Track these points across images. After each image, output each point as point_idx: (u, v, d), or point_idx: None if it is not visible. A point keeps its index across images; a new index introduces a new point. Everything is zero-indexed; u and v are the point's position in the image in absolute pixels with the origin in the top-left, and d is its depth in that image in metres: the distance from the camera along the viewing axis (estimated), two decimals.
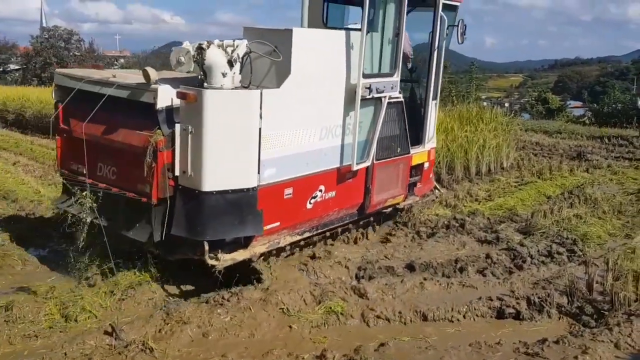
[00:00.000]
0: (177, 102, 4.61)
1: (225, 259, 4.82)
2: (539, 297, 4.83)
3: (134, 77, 5.16)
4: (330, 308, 4.62)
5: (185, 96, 4.45)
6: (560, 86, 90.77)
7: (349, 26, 6.68)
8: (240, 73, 4.69)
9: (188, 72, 4.72)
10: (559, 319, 4.67)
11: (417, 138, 6.69)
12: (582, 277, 5.20)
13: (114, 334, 4.05)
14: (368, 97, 5.55)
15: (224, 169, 4.62)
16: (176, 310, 4.36)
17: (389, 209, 6.76)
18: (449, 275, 5.49)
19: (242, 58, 4.67)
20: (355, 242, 6.34)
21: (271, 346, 4.07)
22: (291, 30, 4.88)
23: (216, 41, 4.61)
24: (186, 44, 4.66)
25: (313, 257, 5.67)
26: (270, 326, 4.38)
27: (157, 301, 4.81)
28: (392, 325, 4.57)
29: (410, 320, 4.62)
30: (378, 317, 4.62)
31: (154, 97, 4.61)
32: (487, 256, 5.95)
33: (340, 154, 5.63)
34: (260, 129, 4.70)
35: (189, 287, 5.08)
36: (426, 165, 7.04)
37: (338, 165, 5.63)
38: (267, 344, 4.13)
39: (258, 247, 5.09)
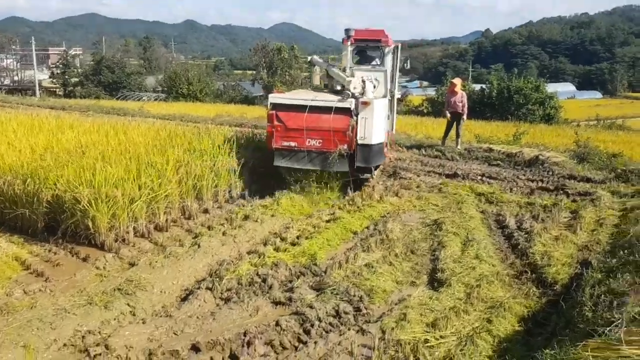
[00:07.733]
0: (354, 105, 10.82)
1: (375, 175, 11.91)
2: None
3: (325, 95, 11.40)
4: None
5: (365, 103, 10.66)
6: (408, 69, 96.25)
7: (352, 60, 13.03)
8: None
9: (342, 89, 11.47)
10: None
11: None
12: (362, 354, 5.29)
13: None
14: (390, 99, 12.79)
15: (377, 133, 10.98)
16: None
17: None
18: (235, 354, 5.38)
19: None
20: (144, 322, 6.06)
21: None
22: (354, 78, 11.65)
23: (365, 75, 11.65)
24: (353, 80, 11.30)
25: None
26: None
27: None
28: None
29: None
30: None
31: (350, 105, 10.65)
32: (277, 324, 5.92)
33: (390, 125, 13.15)
34: (388, 114, 12.35)
35: None
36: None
37: (389, 130, 13.16)
38: None
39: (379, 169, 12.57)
